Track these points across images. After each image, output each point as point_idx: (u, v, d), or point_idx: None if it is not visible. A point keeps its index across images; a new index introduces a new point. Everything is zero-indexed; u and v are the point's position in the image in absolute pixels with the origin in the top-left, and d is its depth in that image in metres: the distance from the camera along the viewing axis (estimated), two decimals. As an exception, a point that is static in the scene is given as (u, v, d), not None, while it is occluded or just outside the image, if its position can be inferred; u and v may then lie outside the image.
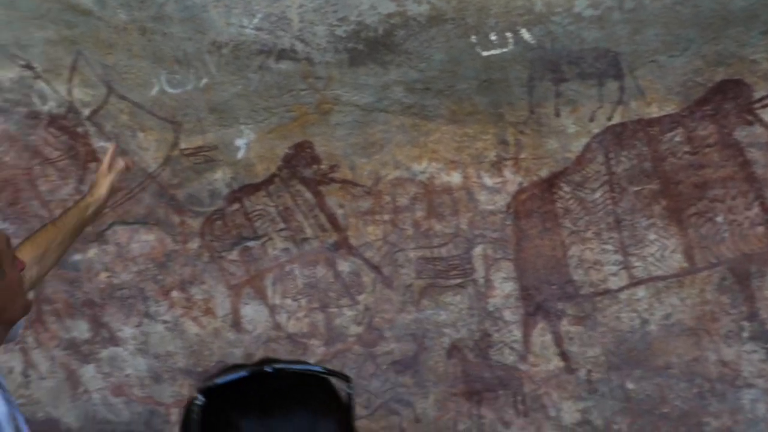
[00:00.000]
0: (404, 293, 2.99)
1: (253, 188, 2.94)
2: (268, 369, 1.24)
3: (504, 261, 2.89)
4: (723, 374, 2.69)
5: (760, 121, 2.45)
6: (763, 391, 2.67)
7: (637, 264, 2.70)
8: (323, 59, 2.63)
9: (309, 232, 2.97)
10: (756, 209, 2.53)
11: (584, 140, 2.64)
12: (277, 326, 3.12)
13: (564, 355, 2.89)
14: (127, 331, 3.24)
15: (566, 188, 2.73)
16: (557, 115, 2.61)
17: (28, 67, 2.85)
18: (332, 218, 2.93)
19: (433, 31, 2.53)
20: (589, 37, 2.41)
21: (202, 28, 2.65)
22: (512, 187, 2.79)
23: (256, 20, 2.61)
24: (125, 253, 3.13)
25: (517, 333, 2.94)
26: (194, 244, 3.07)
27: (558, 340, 2.89)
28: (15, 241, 2.98)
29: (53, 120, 2.95)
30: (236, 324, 3.15)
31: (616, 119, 2.57)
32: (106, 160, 2.69)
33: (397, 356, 3.08)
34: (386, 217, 2.90)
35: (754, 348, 2.63)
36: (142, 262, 3.14)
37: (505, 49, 2.52)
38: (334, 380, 1.28)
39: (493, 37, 2.50)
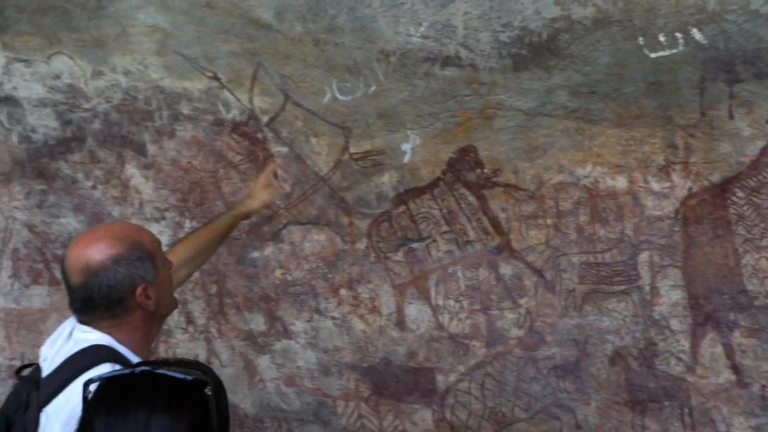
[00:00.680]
0: (566, 298, 2.97)
1: (418, 191, 3.02)
2: (137, 370, 1.43)
3: (671, 268, 2.80)
4: None
5: None
6: None
7: (818, 274, 2.55)
8: (487, 65, 2.69)
9: (472, 235, 3.01)
10: None
11: (760, 143, 2.52)
12: (440, 326, 3.18)
13: (736, 368, 2.76)
14: (298, 326, 3.40)
15: (740, 194, 2.61)
16: (731, 117, 2.51)
17: (215, 78, 3.07)
18: (495, 222, 2.96)
19: (598, 34, 2.52)
20: (767, 36, 2.31)
21: (371, 37, 2.79)
22: (681, 192, 2.71)
23: (422, 29, 2.71)
24: (298, 251, 3.30)
25: (684, 343, 2.85)
26: (362, 245, 3.19)
27: (729, 352, 2.77)
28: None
29: (236, 127, 3.15)
30: (400, 323, 3.24)
31: (796, 121, 2.45)
32: (266, 175, 2.90)
33: (559, 361, 3.06)
34: (549, 221, 2.89)
35: None
36: (314, 261, 3.29)
37: (674, 50, 2.46)
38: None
39: (661, 38, 2.46)
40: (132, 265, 1.93)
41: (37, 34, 3.14)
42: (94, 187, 3.44)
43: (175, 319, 3.56)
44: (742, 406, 2.79)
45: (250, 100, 3.06)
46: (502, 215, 2.95)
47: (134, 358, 1.90)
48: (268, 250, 3.34)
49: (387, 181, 3.04)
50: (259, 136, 3.13)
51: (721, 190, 2.63)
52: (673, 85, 2.52)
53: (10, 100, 3.31)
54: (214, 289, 3.46)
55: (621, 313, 2.91)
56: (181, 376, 1.41)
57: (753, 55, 2.38)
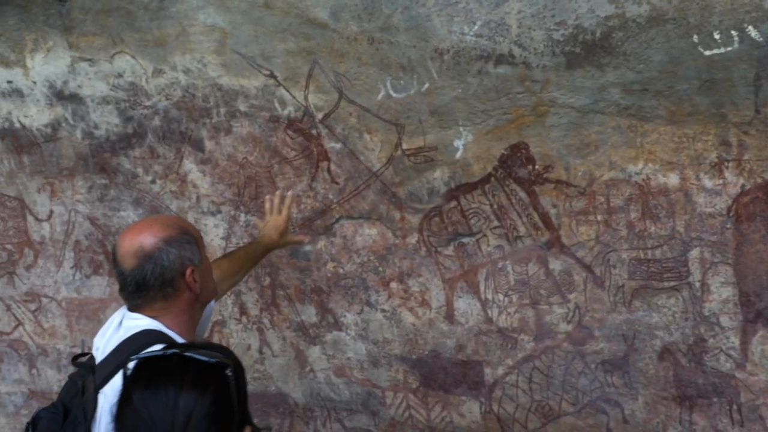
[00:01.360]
0: (616, 293, 2.99)
1: (469, 187, 3.07)
2: (168, 352, 1.62)
3: (722, 265, 2.82)
4: None
5: None
6: None
7: None
8: (540, 63, 2.73)
9: (522, 230, 3.05)
10: None
11: (816, 141, 2.53)
12: (488, 320, 3.23)
13: (786, 366, 2.78)
14: (349, 318, 3.47)
15: (794, 191, 2.63)
16: (786, 115, 2.53)
17: (271, 76, 3.15)
18: (545, 217, 3.00)
19: (652, 32, 2.54)
20: (823, 34, 2.32)
21: (425, 36, 2.84)
22: (734, 190, 2.72)
23: (476, 27, 2.76)
24: (350, 245, 3.37)
25: (734, 340, 2.86)
26: (413, 239, 3.25)
27: (780, 349, 2.78)
28: (256, 232, 3.33)
29: (291, 123, 3.23)
30: (449, 316, 3.29)
31: None
32: (275, 206, 2.86)
33: (607, 356, 3.09)
34: (599, 217, 2.92)
35: None
36: (365, 254, 3.36)
37: (729, 48, 2.48)
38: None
39: (716, 36, 2.48)
40: (182, 247, 2.03)
41: (101, 34, 3.24)
42: (153, 182, 3.54)
43: (229, 309, 3.65)
44: (792, 403, 2.79)
45: (305, 97, 3.13)
46: (552, 211, 2.98)
47: (181, 341, 1.99)
48: (321, 243, 3.41)
49: (439, 176, 3.09)
50: (314, 132, 3.20)
51: (775, 187, 2.65)
52: (728, 82, 2.54)
53: (74, 98, 3.43)
54: (267, 281, 3.55)
55: (670, 309, 2.93)
56: (205, 359, 1.59)
57: (809, 53, 2.39)
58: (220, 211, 3.50)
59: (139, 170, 3.53)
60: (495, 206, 3.06)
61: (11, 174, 3.74)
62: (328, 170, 3.23)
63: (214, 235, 3.53)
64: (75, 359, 2.13)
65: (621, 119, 2.76)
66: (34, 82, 3.44)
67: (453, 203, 3.12)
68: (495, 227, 3.09)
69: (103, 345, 2.05)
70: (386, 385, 3.52)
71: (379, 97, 3.02)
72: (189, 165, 3.44)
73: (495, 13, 2.72)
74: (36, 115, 3.53)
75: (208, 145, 3.37)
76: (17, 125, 3.58)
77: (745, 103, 2.55)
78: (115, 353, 1.97)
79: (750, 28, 2.40)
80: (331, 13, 2.93)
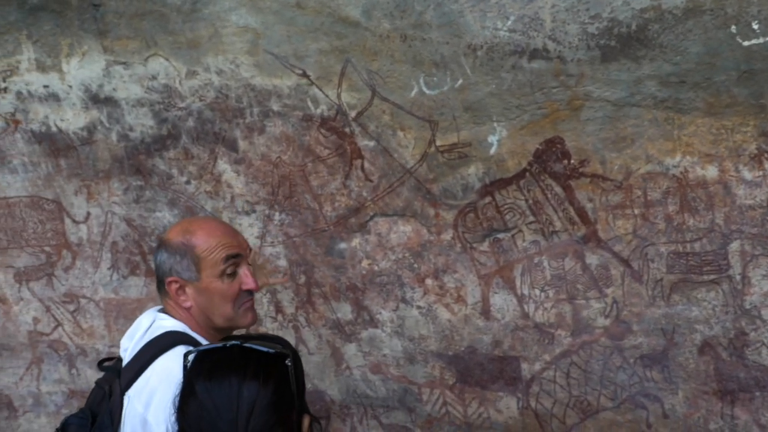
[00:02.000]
0: (654, 287, 2.97)
1: (504, 182, 3.05)
2: (228, 344, 1.66)
3: (763, 258, 2.78)
4: None
5: None
6: None
7: None
8: (575, 57, 2.71)
9: (558, 225, 3.04)
10: None
11: None
12: (525, 315, 3.22)
13: (831, 359, 2.74)
14: (385, 315, 3.48)
15: (836, 182, 2.58)
16: (827, 105, 2.49)
17: (304, 75, 3.16)
18: (581, 212, 2.98)
19: (689, 23, 2.52)
20: None
21: (458, 32, 2.83)
22: (774, 181, 2.69)
23: (509, 22, 2.75)
24: (385, 242, 3.37)
25: (776, 333, 2.83)
26: (447, 235, 3.24)
27: (824, 341, 2.74)
28: (290, 231, 3.36)
29: (324, 122, 3.23)
30: (485, 312, 3.29)
31: None
32: None
33: (646, 350, 3.07)
34: (637, 211, 2.90)
35: None
36: (400, 251, 3.36)
37: (768, 38, 2.45)
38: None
39: (755, 26, 2.44)
40: (173, 256, 2.12)
41: (135, 37, 3.27)
42: (188, 182, 3.57)
43: (264, 308, 3.68)
44: (838, 396, 2.75)
45: (338, 96, 3.14)
46: (588, 205, 2.97)
47: (205, 343, 2.03)
48: (355, 241, 3.42)
49: (473, 172, 3.08)
50: (347, 130, 3.20)
51: (816, 178, 2.61)
52: (767, 73, 2.50)
53: (109, 101, 3.46)
54: (302, 279, 3.57)
55: (710, 303, 2.90)
56: (265, 349, 1.64)
57: None
58: (254, 211, 3.53)
59: (174, 171, 3.56)
60: (530, 201, 3.04)
61: (49, 177, 3.79)
62: (362, 168, 3.24)
63: (249, 234, 3.56)
64: (101, 363, 2.19)
65: (658, 112, 2.73)
66: (70, 86, 3.48)
67: (488, 199, 3.11)
68: (530, 222, 3.08)
69: (132, 347, 2.08)
70: (423, 382, 3.53)
71: (413, 94, 3.02)
72: (223, 165, 3.47)
73: (528, 8, 2.71)
74: (72, 119, 3.57)
75: (242, 145, 3.39)
76: (54, 129, 3.63)
77: (785, 94, 2.52)
78: (141, 354, 2.01)
79: (790, 17, 2.36)
80: (363, 11, 2.93)
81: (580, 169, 2.92)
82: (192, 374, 1.63)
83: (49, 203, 3.90)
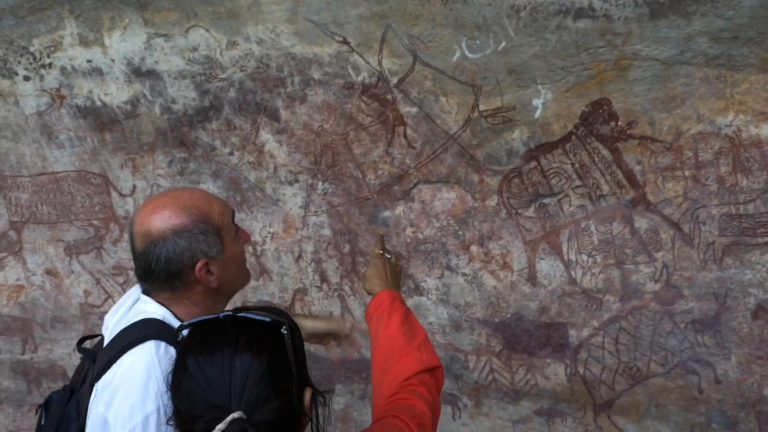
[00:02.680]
0: (705, 251, 2.90)
1: (549, 146, 3.00)
2: (221, 315, 1.58)
3: (820, 218, 2.70)
4: None
5: None
6: None
7: None
8: (622, 15, 2.63)
9: (605, 188, 2.98)
10: None
11: None
12: (572, 281, 3.18)
13: None
14: (430, 282, 3.47)
15: None
16: None
17: (345, 42, 3.12)
18: (629, 174, 2.92)
19: (743, -24, 2.42)
20: None
21: (501, -7, 2.77)
22: (832, 138, 2.59)
23: (553, -18, 2.68)
24: (429, 210, 3.35)
25: (835, 295, 2.75)
26: (492, 201, 3.21)
27: None
28: (334, 200, 3.34)
29: (365, 89, 3.21)
30: (532, 278, 3.25)
31: None
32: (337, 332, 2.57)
33: (697, 315, 3.01)
34: (687, 172, 2.82)
35: None
36: (444, 219, 3.34)
37: (827, -11, 2.34)
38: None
39: (813, -23, 2.34)
40: (194, 238, 1.84)
41: (175, 9, 3.26)
42: (231, 153, 3.58)
43: (310, 277, 3.69)
44: None
45: (379, 62, 3.10)
46: (636, 168, 2.90)
47: None
48: (399, 209, 3.40)
49: (517, 137, 3.03)
50: (389, 97, 3.16)
51: None
52: (826, 25, 2.41)
53: (152, 74, 3.48)
54: (347, 248, 3.57)
55: (765, 266, 2.82)
56: (259, 317, 1.57)
57: None
58: (297, 180, 3.52)
59: (217, 143, 3.57)
60: (576, 165, 2.98)
61: (95, 151, 3.83)
62: (405, 135, 3.21)
63: (293, 204, 3.56)
64: (80, 343, 2.02)
65: (709, 70, 2.64)
66: (113, 60, 3.50)
67: (533, 164, 3.06)
68: (577, 187, 3.02)
69: (112, 325, 1.93)
70: (469, 349, 3.52)
71: (455, 58, 2.96)
72: (265, 135, 3.47)
73: (573, -34, 2.63)
74: (116, 93, 3.60)
75: (284, 114, 3.38)
76: (98, 103, 3.66)
77: None
78: (114, 342, 1.85)
79: None
80: (403, -26, 2.88)
81: (628, 131, 2.85)
82: (184, 349, 1.55)
83: (96, 177, 3.95)
